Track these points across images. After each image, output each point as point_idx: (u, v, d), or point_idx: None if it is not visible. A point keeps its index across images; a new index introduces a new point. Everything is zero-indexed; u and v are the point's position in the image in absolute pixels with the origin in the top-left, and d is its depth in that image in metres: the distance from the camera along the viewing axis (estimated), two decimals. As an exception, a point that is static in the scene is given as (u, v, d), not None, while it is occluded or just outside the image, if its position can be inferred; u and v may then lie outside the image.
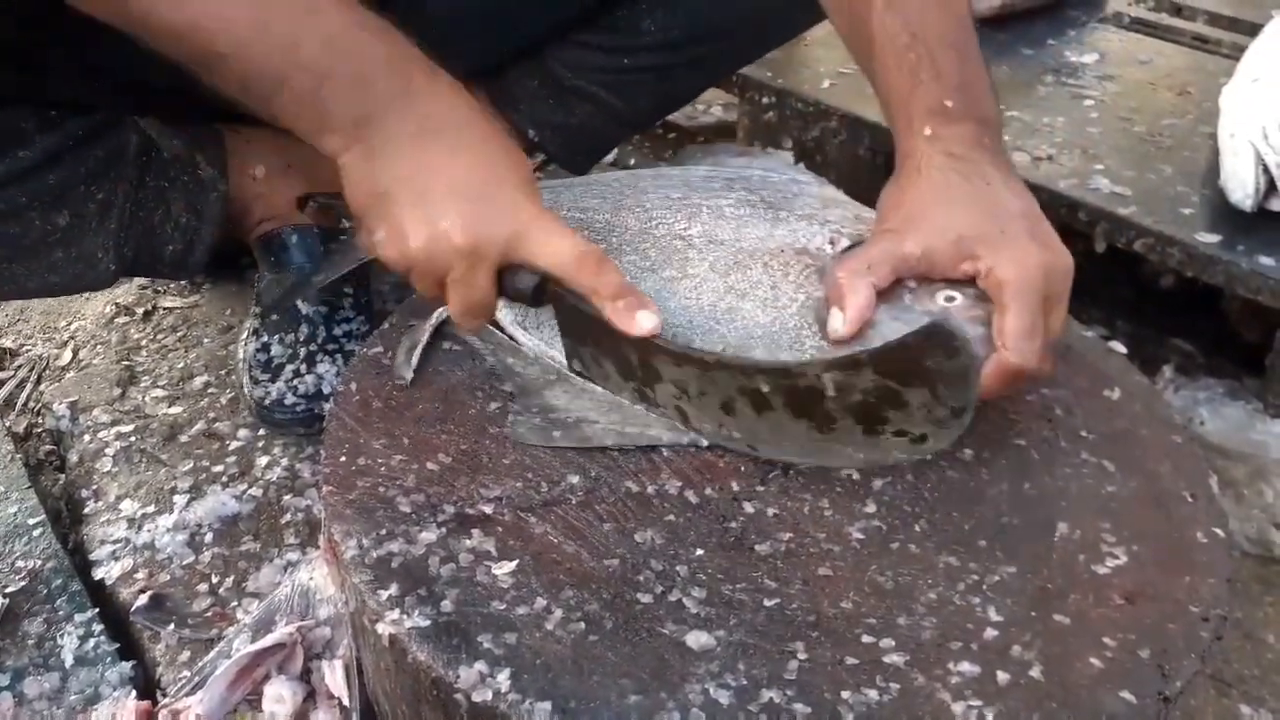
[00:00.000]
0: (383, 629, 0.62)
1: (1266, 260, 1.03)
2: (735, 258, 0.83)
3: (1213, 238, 1.06)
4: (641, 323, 0.71)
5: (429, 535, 0.67)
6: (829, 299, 0.75)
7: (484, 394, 0.78)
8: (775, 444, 0.72)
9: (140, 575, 0.90)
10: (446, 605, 0.62)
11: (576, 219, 0.87)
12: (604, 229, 0.87)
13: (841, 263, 0.76)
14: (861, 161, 1.30)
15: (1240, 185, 1.07)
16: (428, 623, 0.61)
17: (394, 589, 0.63)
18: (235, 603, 0.88)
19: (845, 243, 0.84)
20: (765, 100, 1.38)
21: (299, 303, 1.05)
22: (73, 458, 1.04)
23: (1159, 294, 1.28)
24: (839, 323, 0.73)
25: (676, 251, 0.84)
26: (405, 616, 0.61)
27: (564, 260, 0.71)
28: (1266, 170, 1.06)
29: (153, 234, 0.99)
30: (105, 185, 0.94)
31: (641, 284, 0.78)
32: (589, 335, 0.75)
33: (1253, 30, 1.34)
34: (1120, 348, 0.86)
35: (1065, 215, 1.14)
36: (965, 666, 0.60)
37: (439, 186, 0.71)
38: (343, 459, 0.72)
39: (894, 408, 0.67)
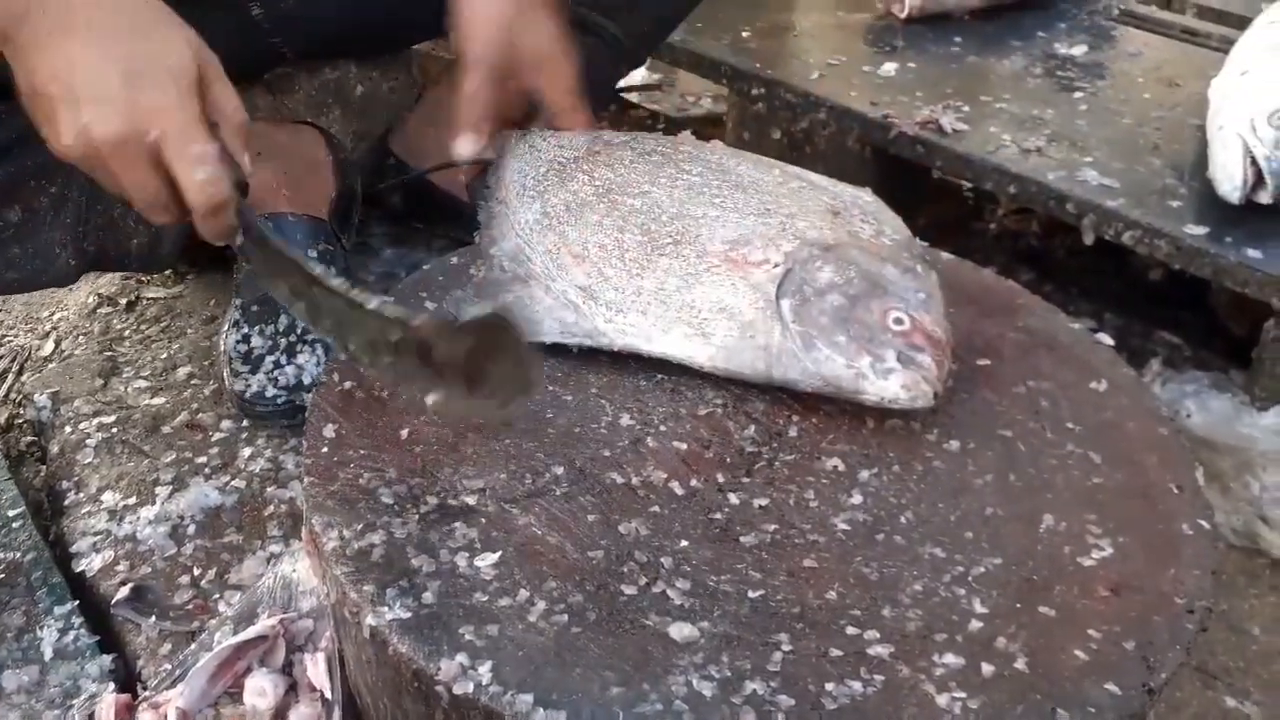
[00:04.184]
0: (363, 621, 0.61)
1: (1254, 253, 1.03)
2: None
3: (1200, 230, 1.06)
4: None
5: (411, 527, 0.66)
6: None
7: (468, 385, 0.78)
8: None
9: (121, 567, 0.90)
10: (428, 597, 0.61)
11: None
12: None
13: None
14: (850, 153, 1.29)
15: (1228, 178, 1.07)
16: (409, 615, 0.60)
17: (375, 581, 0.62)
18: (217, 595, 0.87)
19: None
20: (754, 91, 1.38)
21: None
22: (54, 449, 1.03)
23: (1147, 287, 1.28)
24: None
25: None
26: (386, 608, 0.61)
27: (188, 187, 0.72)
28: (1254, 162, 1.06)
29: (115, 228, 0.98)
30: (57, 179, 0.93)
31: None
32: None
33: (1241, 23, 1.34)
34: (1107, 340, 0.86)
35: (1054, 207, 1.14)
36: (950, 658, 0.60)
37: (81, 81, 0.70)
38: (324, 450, 0.71)
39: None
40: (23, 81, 0.73)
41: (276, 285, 0.77)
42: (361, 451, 0.72)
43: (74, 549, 0.92)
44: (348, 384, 0.77)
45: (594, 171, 0.87)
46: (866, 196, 0.88)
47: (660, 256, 0.80)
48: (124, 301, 1.23)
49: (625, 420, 0.76)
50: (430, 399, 0.67)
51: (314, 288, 0.73)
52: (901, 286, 0.78)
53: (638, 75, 1.90)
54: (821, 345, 0.74)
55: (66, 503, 0.97)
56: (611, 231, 0.82)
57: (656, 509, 0.69)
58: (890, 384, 0.73)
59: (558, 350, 0.81)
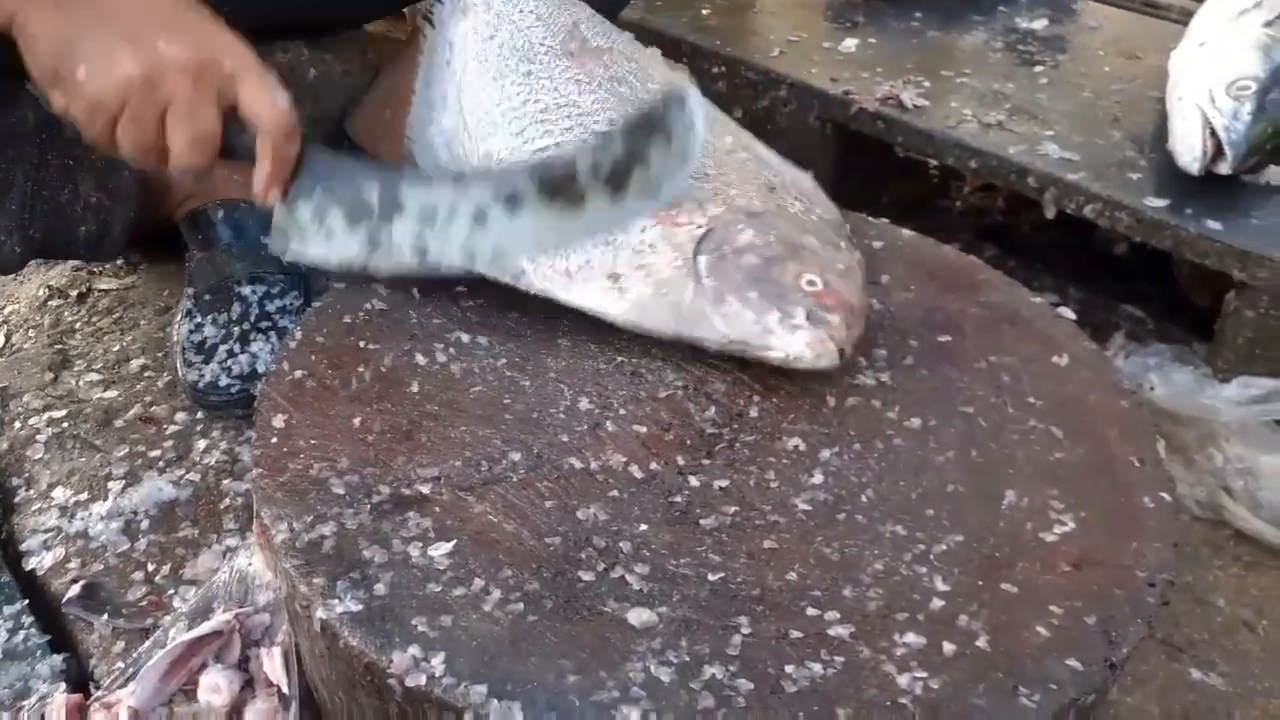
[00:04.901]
0: (314, 615, 0.60)
1: (1213, 224, 1.02)
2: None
3: (1160, 202, 1.06)
4: (270, 198, 0.75)
5: (363, 517, 0.65)
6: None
7: (422, 373, 0.76)
8: (525, 242, 0.76)
9: (73, 565, 0.88)
10: (380, 589, 0.60)
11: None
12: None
13: None
14: (811, 130, 1.28)
15: (1188, 149, 1.07)
16: (360, 607, 0.59)
17: (325, 573, 0.61)
18: (172, 591, 0.86)
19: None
20: (714, 70, 1.36)
21: (234, 282, 1.02)
22: (3, 445, 1.00)
23: (1112, 261, 1.28)
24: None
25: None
26: (337, 601, 0.59)
27: (267, 113, 0.73)
28: (1214, 134, 1.05)
29: (62, 215, 0.96)
30: (1, 164, 0.90)
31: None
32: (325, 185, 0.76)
33: (1200, -5, 1.34)
34: (1069, 314, 0.86)
35: (1015, 181, 1.13)
36: (911, 638, 0.59)
37: (141, 16, 0.71)
38: (274, 441, 0.70)
39: (638, 164, 0.75)
40: (53, 26, 0.71)
41: (351, 201, 0.76)
42: (312, 441, 0.70)
43: (24, 547, 0.90)
44: (298, 373, 0.75)
45: (561, 81, 0.85)
46: (806, 181, 0.88)
47: None
48: (75, 293, 1.20)
49: (584, 404, 0.75)
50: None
51: (404, 183, 0.75)
52: (821, 256, 0.78)
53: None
54: (732, 299, 0.74)
55: (16, 500, 0.95)
56: None
57: (615, 493, 0.68)
58: (795, 340, 0.73)
59: (515, 335, 0.79)
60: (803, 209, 0.83)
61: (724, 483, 0.69)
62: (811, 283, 0.75)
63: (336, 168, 0.77)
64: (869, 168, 1.34)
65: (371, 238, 0.76)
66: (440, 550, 0.63)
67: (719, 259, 0.76)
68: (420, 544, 0.63)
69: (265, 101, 0.73)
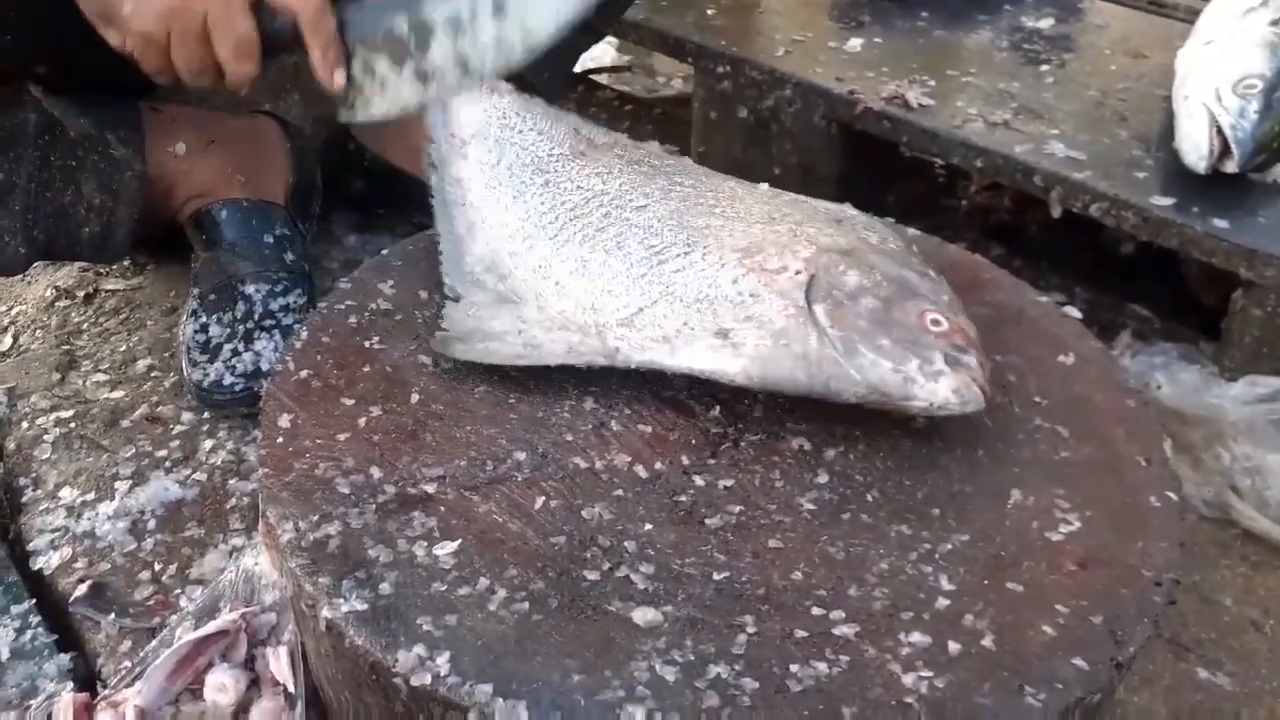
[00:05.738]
0: (320, 614, 0.60)
1: (1220, 222, 1.02)
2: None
3: (1167, 201, 1.05)
4: (336, 79, 0.80)
5: (368, 517, 0.65)
6: None
7: (427, 373, 0.76)
8: (543, 22, 0.79)
9: (80, 564, 0.88)
10: (385, 588, 0.60)
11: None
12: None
13: None
14: (817, 130, 1.28)
15: (1194, 147, 1.07)
16: (365, 606, 0.59)
17: (331, 573, 0.61)
18: (178, 590, 0.86)
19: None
20: (720, 70, 1.36)
21: (238, 281, 1.03)
22: (10, 445, 1.01)
23: (1118, 260, 1.28)
24: None
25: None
26: (342, 600, 0.59)
27: (299, 2, 0.77)
28: (1220, 132, 1.05)
29: (65, 216, 0.96)
30: (4, 165, 0.91)
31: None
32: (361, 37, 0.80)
33: (1207, -7, 1.33)
34: (1075, 313, 0.85)
35: (1021, 180, 1.13)
36: (916, 637, 0.59)
37: None
38: (279, 440, 0.70)
39: None
40: None
41: (388, 42, 0.80)
42: (318, 441, 0.70)
43: (31, 546, 0.90)
44: (304, 373, 0.75)
45: (581, 178, 0.84)
46: (849, 209, 0.85)
47: (671, 270, 0.75)
48: (82, 294, 1.20)
49: (589, 404, 0.75)
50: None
51: (424, 4, 0.78)
52: (927, 288, 0.74)
53: (607, 57, 1.88)
54: (865, 349, 0.70)
55: (24, 500, 0.95)
56: (611, 247, 0.78)
57: (620, 493, 0.68)
58: (941, 387, 0.69)
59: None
60: (878, 239, 0.79)
61: (729, 482, 0.69)
62: (936, 322, 0.71)
63: (364, 19, 0.80)
64: (874, 167, 1.34)
65: (418, 71, 0.80)
66: (445, 549, 0.63)
67: (836, 306, 0.71)
68: (425, 543, 0.63)
69: None
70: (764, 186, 0.85)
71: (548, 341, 0.75)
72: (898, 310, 0.71)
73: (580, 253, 0.78)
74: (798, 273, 0.73)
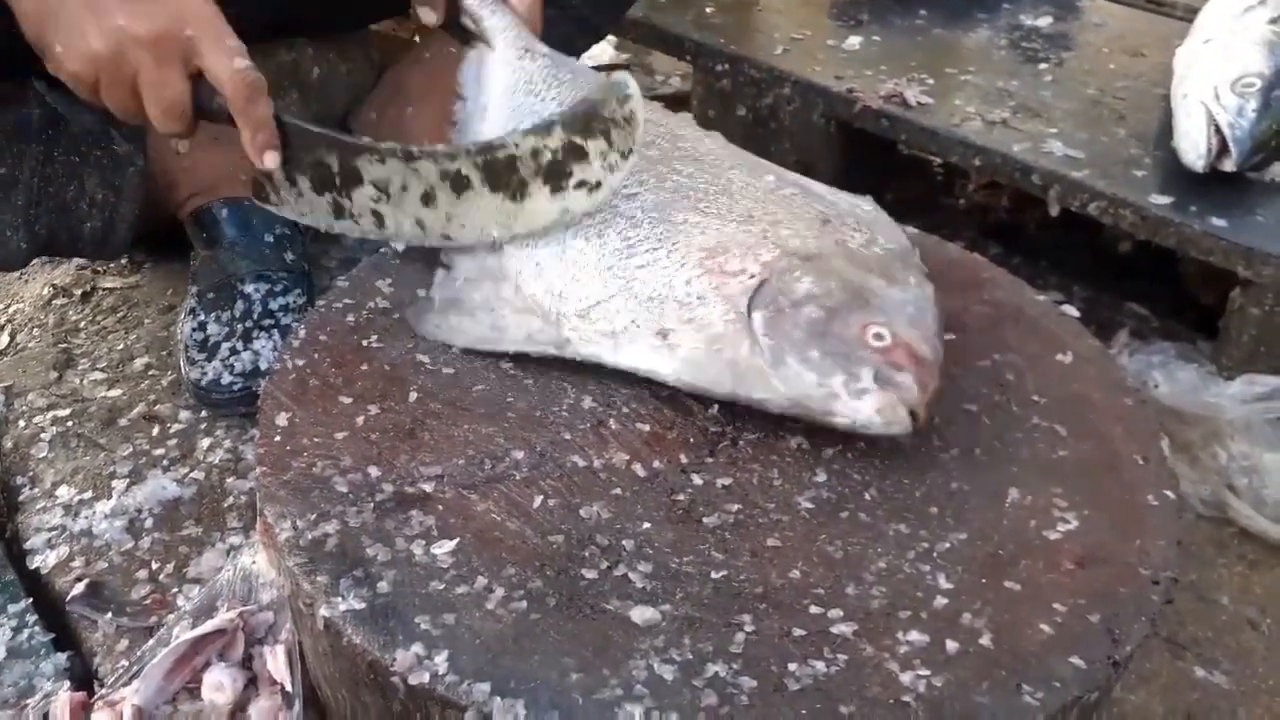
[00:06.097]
0: (318, 613, 0.60)
1: (1218, 221, 1.02)
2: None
3: (1165, 199, 1.05)
4: (266, 161, 0.77)
5: (366, 515, 0.65)
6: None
7: (425, 371, 0.76)
8: (472, 227, 0.79)
9: (77, 563, 0.88)
10: (383, 586, 0.60)
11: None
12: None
13: None
14: (815, 128, 1.28)
15: (1193, 146, 1.07)
16: (363, 605, 0.59)
17: (329, 571, 0.61)
18: (176, 589, 0.86)
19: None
20: (719, 68, 1.36)
21: (237, 280, 1.02)
22: (7, 444, 1.01)
23: (1117, 259, 1.28)
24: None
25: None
26: (340, 599, 0.59)
27: (225, 77, 0.74)
28: (1218, 130, 1.05)
29: (67, 211, 0.96)
30: (7, 160, 0.91)
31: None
32: (292, 150, 0.79)
33: (1205, -9, 1.33)
34: (1073, 311, 0.85)
35: (1019, 179, 1.13)
36: (914, 635, 0.59)
37: None
38: (277, 439, 0.70)
39: (577, 160, 0.77)
40: (36, 2, 0.74)
41: (315, 167, 0.79)
42: (316, 440, 0.70)
43: (28, 545, 0.90)
44: (302, 371, 0.75)
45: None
46: (865, 205, 0.84)
47: (635, 265, 0.76)
48: (79, 292, 1.20)
49: (587, 403, 0.74)
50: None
51: (360, 157, 0.78)
52: (887, 300, 0.72)
53: (605, 55, 1.87)
54: (791, 360, 0.69)
55: (21, 498, 0.95)
56: (593, 234, 0.78)
57: (618, 491, 0.68)
58: (863, 405, 0.67)
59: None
60: (864, 240, 0.77)
61: (727, 481, 0.69)
62: (879, 336, 0.69)
63: (307, 135, 0.79)
64: (873, 166, 1.34)
65: (336, 203, 0.80)
66: (443, 548, 0.63)
67: (776, 314, 0.70)
68: (423, 542, 0.63)
69: (224, 65, 0.74)
70: (771, 178, 0.84)
71: (512, 325, 0.77)
72: (839, 322, 0.70)
73: (563, 235, 0.79)
74: (751, 277, 0.73)
